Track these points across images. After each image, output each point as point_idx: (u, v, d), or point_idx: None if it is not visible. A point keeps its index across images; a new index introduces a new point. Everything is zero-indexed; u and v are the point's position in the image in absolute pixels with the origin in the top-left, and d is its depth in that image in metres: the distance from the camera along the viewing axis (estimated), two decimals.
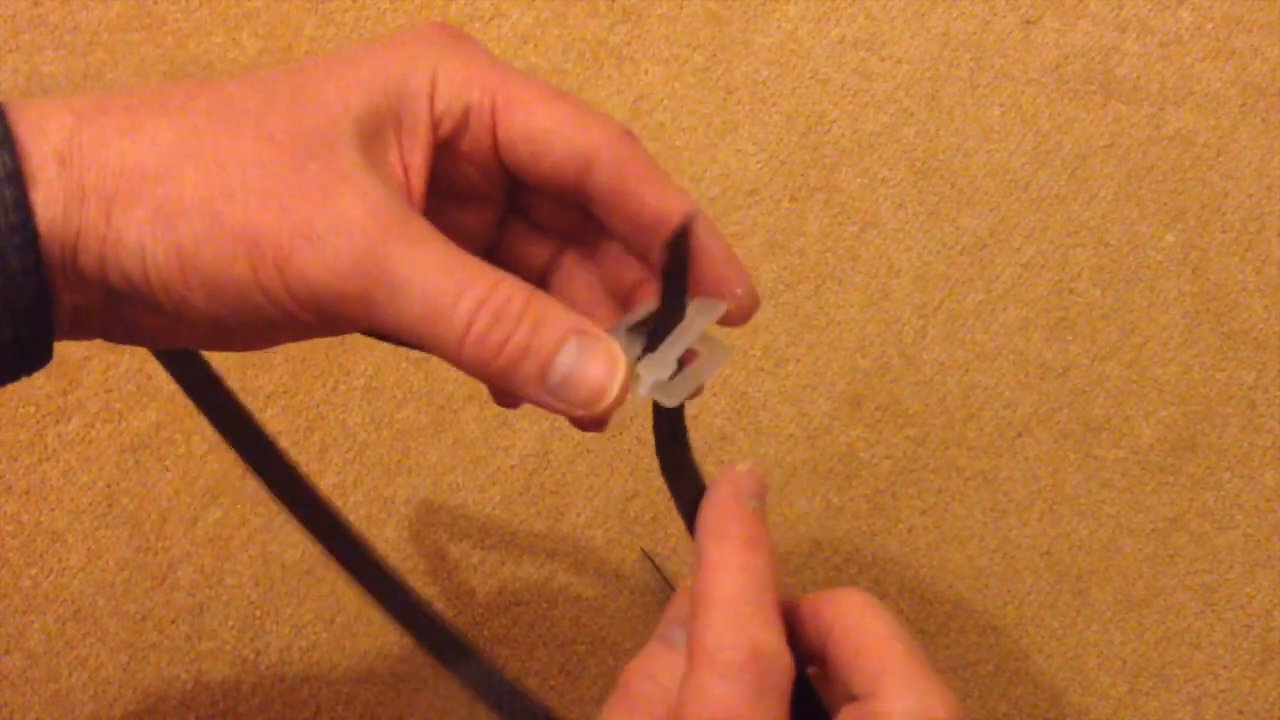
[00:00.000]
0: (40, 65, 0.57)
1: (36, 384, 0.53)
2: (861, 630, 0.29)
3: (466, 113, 0.30)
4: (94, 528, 0.52)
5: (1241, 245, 0.61)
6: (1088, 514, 0.57)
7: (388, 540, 0.53)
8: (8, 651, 0.51)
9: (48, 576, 0.51)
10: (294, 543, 0.53)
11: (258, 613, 0.52)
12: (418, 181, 0.30)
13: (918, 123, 0.61)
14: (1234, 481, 0.58)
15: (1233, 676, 0.56)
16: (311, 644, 0.52)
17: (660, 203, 0.31)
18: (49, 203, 0.27)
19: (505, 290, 0.28)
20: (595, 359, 0.29)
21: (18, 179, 0.27)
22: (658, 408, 0.31)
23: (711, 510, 0.30)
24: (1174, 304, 0.60)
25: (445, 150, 0.31)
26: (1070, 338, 0.59)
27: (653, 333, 0.31)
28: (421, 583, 0.53)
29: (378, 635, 0.52)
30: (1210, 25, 0.63)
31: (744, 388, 0.57)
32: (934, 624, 0.56)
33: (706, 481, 0.31)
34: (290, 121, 0.28)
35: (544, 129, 0.30)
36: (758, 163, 0.60)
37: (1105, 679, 0.56)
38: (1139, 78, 0.63)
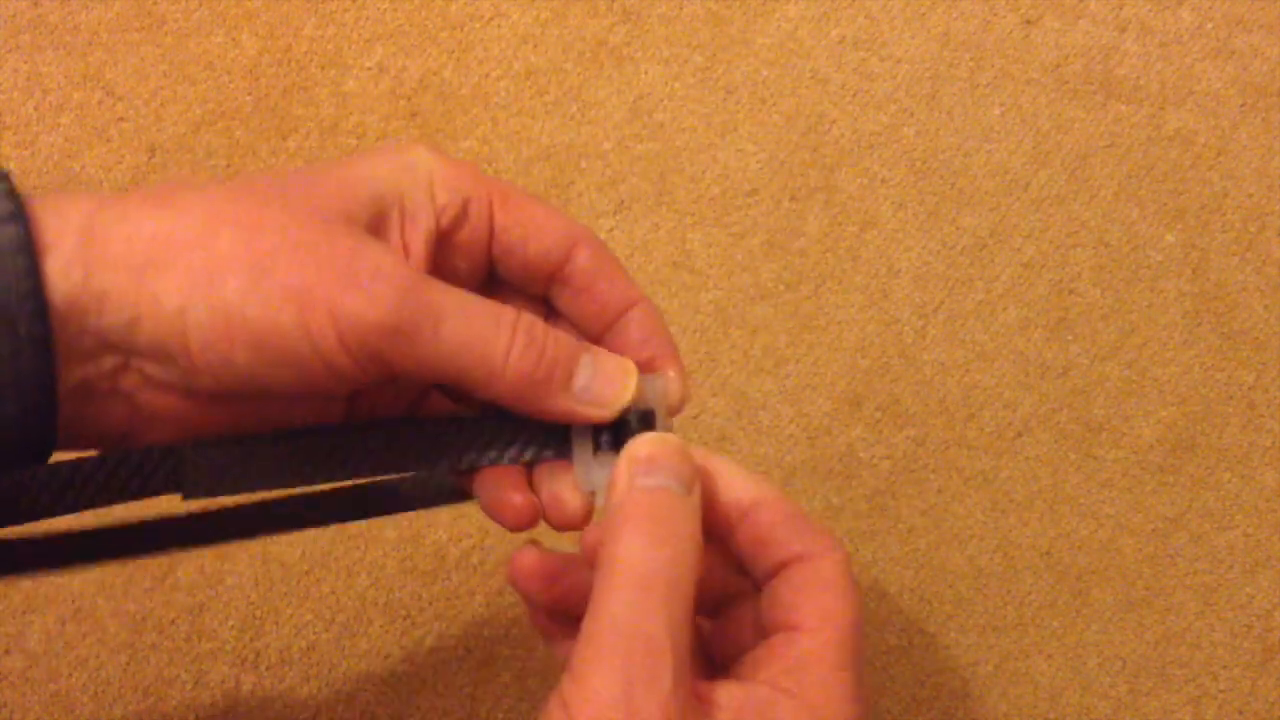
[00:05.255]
0: (40, 65, 0.57)
1: None
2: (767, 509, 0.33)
3: (466, 204, 0.34)
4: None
5: (1241, 245, 0.61)
6: (1088, 514, 0.57)
7: (388, 540, 0.53)
8: (8, 651, 0.51)
9: (48, 576, 0.52)
10: (294, 542, 0.53)
11: (258, 613, 0.52)
12: (418, 265, 0.33)
13: (918, 123, 0.61)
14: (1234, 481, 0.58)
15: (1233, 676, 0.56)
16: (311, 644, 0.52)
17: (624, 290, 0.35)
18: (66, 272, 0.28)
19: (528, 316, 0.32)
20: (609, 364, 0.33)
21: (29, 249, 0.27)
22: None
23: (611, 494, 0.33)
24: (1174, 304, 0.60)
25: (443, 241, 0.34)
26: (1070, 338, 0.59)
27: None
28: (421, 583, 0.53)
29: (378, 635, 0.52)
30: (1210, 25, 0.63)
31: (744, 388, 0.57)
32: (934, 624, 0.56)
33: None
34: (309, 201, 0.31)
35: (536, 218, 0.34)
36: (758, 163, 0.60)
37: (1105, 679, 0.56)
38: (1139, 78, 0.63)
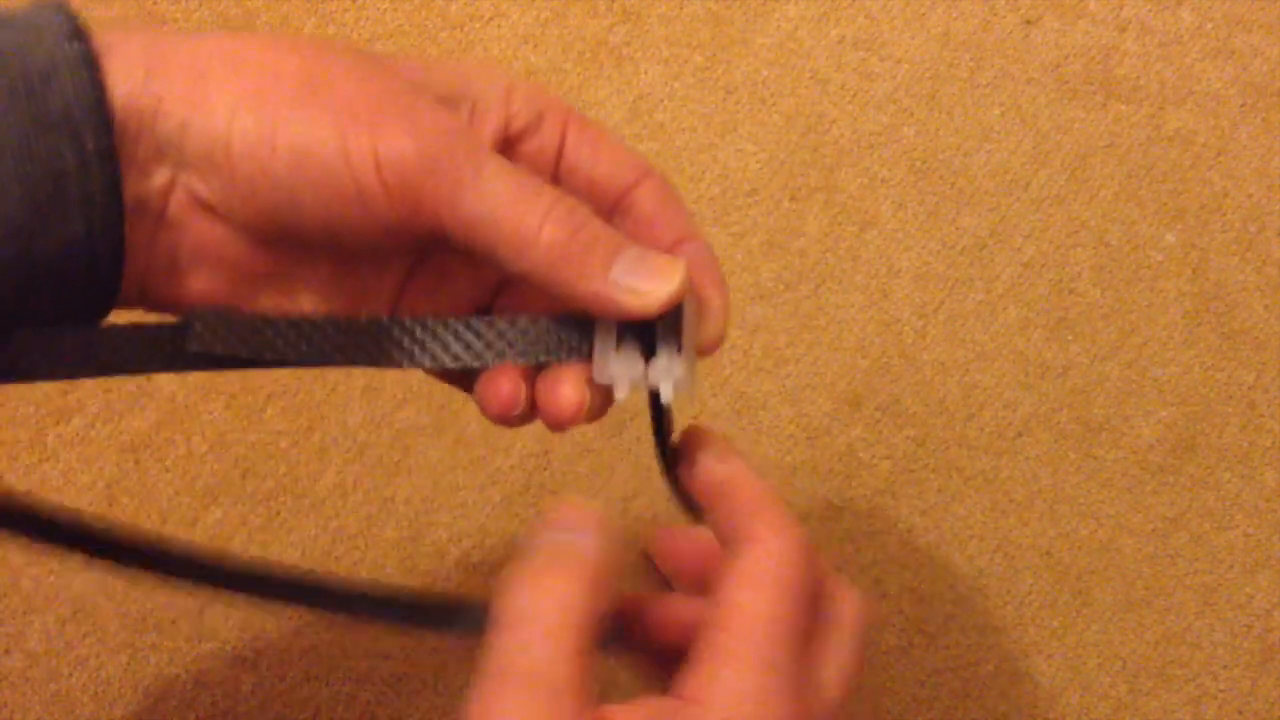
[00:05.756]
0: None
1: (37, 384, 0.53)
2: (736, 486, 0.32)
3: (541, 118, 0.33)
4: None
5: (1241, 245, 0.61)
6: (1088, 514, 0.57)
7: (387, 540, 0.54)
8: (8, 651, 0.51)
9: (48, 576, 0.51)
10: (294, 543, 0.53)
11: (258, 613, 0.52)
12: None
13: (918, 123, 0.61)
14: (1234, 481, 0.58)
15: (1233, 676, 0.56)
16: (311, 644, 0.52)
17: (684, 228, 0.34)
18: (128, 73, 0.28)
19: (571, 197, 0.31)
20: (656, 259, 0.31)
21: (92, 63, 0.27)
22: (660, 407, 0.32)
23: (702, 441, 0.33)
24: (1174, 304, 0.60)
25: (509, 147, 0.33)
26: (1070, 338, 0.59)
27: (647, 338, 0.32)
28: (421, 583, 0.53)
29: (378, 635, 0.52)
30: (1210, 25, 0.63)
31: (744, 388, 0.57)
32: (934, 624, 0.56)
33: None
34: (379, 67, 0.30)
35: (609, 144, 0.33)
36: (758, 163, 0.60)
37: (1105, 679, 0.56)
38: (1139, 78, 0.63)
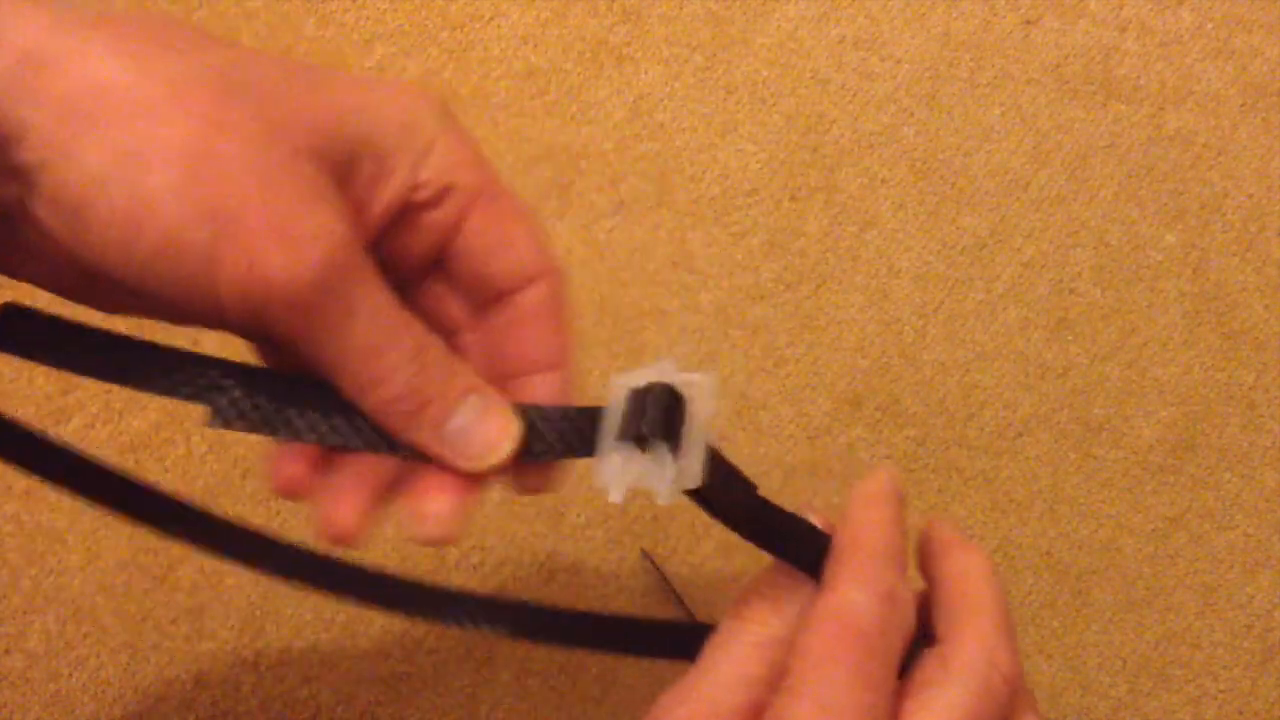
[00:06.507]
0: None
1: (36, 384, 0.53)
2: (966, 581, 0.32)
3: (447, 191, 0.31)
4: (94, 528, 0.52)
5: (1241, 245, 0.61)
6: (1088, 514, 0.57)
7: (387, 540, 0.53)
8: (8, 651, 0.51)
9: (48, 576, 0.51)
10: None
11: (258, 613, 0.52)
12: (368, 230, 0.30)
13: (918, 123, 0.61)
14: (1234, 481, 0.58)
15: (1233, 676, 0.56)
16: (311, 644, 0.52)
17: (559, 344, 0.32)
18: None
19: (429, 341, 0.29)
20: (494, 416, 0.30)
21: None
22: (699, 496, 0.29)
23: (865, 485, 0.33)
24: (1174, 304, 0.60)
25: (406, 214, 0.31)
26: (1070, 338, 0.59)
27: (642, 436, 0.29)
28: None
29: (378, 635, 0.52)
30: (1210, 25, 0.63)
31: (744, 388, 0.57)
32: None
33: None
34: (285, 113, 0.28)
35: (511, 236, 0.31)
36: (758, 163, 0.60)
37: (1105, 679, 0.56)
38: (1139, 78, 0.63)
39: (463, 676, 0.53)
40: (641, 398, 0.29)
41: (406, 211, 0.31)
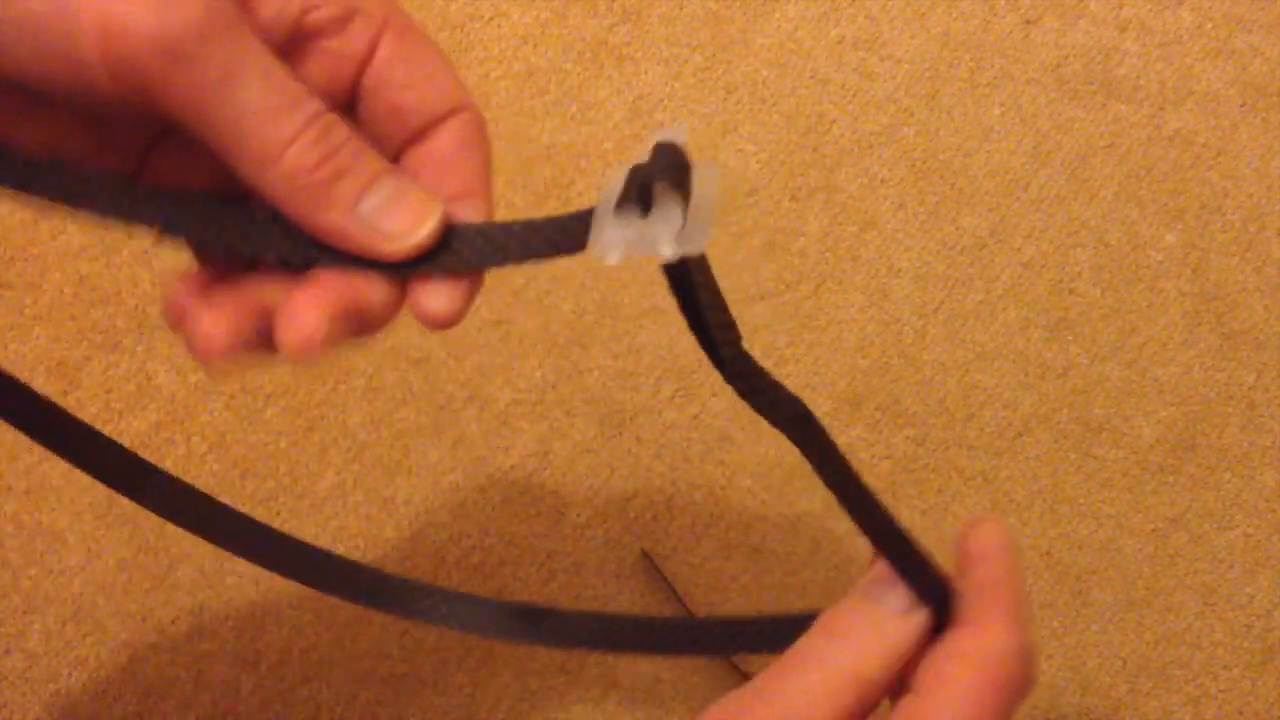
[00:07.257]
0: None
1: (36, 384, 0.53)
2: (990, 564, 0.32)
3: (351, 15, 0.28)
4: (94, 528, 0.52)
5: (1241, 245, 0.61)
6: (1088, 514, 0.57)
7: (387, 540, 0.53)
8: (8, 651, 0.51)
9: (48, 576, 0.51)
10: None
11: (258, 613, 0.52)
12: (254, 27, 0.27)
13: (918, 123, 0.61)
14: (1234, 481, 0.58)
15: (1233, 676, 0.56)
16: (311, 644, 0.52)
17: (477, 175, 0.30)
18: None
19: (333, 116, 0.27)
20: (411, 196, 0.28)
21: None
22: (685, 278, 0.27)
23: (997, 529, 0.33)
24: (1174, 304, 0.60)
25: (302, 41, 0.29)
26: (1070, 338, 0.59)
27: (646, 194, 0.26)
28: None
29: (378, 635, 0.52)
30: (1210, 25, 0.63)
31: None
32: None
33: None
34: None
35: (426, 67, 0.29)
36: (758, 163, 0.60)
37: (1105, 679, 0.56)
38: (1139, 78, 0.63)
39: (463, 676, 0.53)
40: (644, 167, 0.26)
41: (302, 36, 0.28)
